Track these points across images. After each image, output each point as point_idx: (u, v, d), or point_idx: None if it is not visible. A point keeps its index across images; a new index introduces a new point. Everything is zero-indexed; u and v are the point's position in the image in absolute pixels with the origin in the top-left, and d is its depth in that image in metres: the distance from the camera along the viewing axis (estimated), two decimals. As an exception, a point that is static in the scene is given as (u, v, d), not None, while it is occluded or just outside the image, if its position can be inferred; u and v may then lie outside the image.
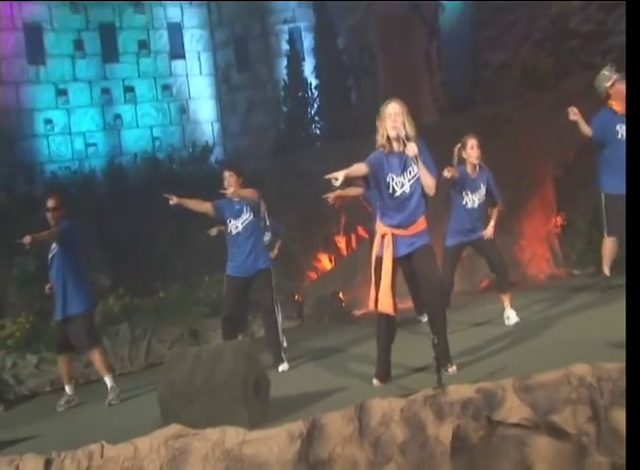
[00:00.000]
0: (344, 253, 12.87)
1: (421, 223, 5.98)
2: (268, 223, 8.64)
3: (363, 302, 10.64)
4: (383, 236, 5.95)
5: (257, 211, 8.07)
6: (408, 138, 5.79)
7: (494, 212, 7.96)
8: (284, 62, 19.48)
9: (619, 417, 3.93)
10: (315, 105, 18.61)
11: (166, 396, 5.53)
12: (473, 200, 7.81)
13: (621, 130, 8.11)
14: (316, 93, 18.78)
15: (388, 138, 5.86)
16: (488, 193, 7.85)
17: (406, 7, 19.34)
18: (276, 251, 9.49)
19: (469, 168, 7.80)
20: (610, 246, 8.39)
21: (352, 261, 11.64)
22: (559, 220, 11.29)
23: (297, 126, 17.89)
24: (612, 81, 8.17)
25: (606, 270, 8.42)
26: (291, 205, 11.62)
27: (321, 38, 19.42)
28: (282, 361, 7.81)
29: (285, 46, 19.78)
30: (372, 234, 9.54)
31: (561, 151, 10.80)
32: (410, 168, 5.85)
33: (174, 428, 4.85)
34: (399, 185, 5.88)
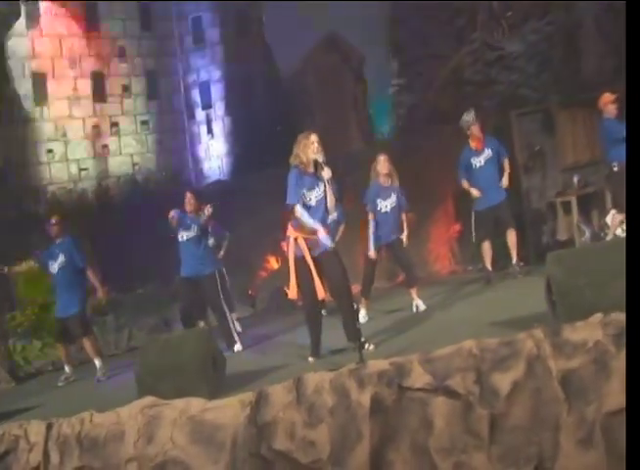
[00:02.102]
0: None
1: (321, 231, 5.99)
2: (210, 230, 8.59)
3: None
4: (295, 239, 6.00)
5: (205, 228, 8.08)
6: (324, 163, 5.86)
7: (405, 220, 8.06)
8: (240, 100, 19.48)
9: (497, 379, 3.99)
10: (264, 135, 18.57)
11: (142, 373, 5.50)
12: (385, 205, 7.86)
13: (475, 162, 8.54)
14: (262, 118, 18.74)
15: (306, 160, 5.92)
16: (399, 201, 7.93)
17: (338, 58, 19.50)
18: (222, 252, 9.34)
19: (381, 179, 7.90)
20: (486, 248, 8.61)
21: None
22: (456, 228, 11.49)
23: (251, 153, 17.80)
24: (468, 125, 8.55)
25: (488, 266, 8.63)
26: (245, 216, 11.57)
27: (268, 84, 19.49)
28: (235, 343, 7.79)
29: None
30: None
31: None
32: (317, 187, 5.95)
33: (148, 399, 4.83)
34: (308, 198, 5.94)
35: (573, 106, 10.54)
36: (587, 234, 9.15)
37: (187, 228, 7.99)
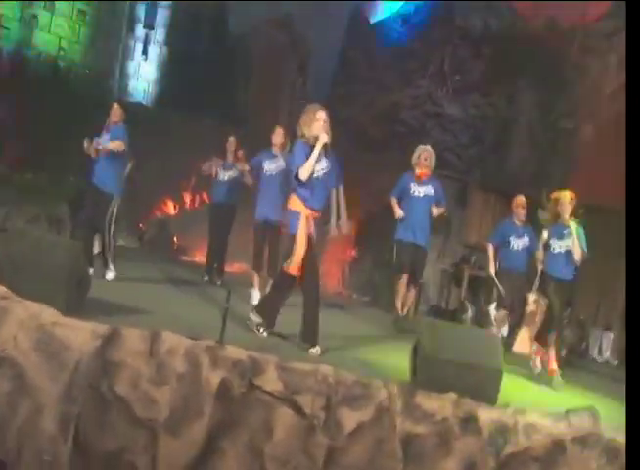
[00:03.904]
0: (187, 206, 12.71)
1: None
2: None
3: (190, 250, 10.56)
4: (307, 217, 5.73)
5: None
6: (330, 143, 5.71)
7: None
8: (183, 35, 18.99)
9: (344, 414, 4.14)
10: (197, 81, 18.11)
11: (3, 261, 5.23)
12: (271, 168, 7.97)
13: (414, 189, 8.09)
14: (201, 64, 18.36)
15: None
16: (287, 166, 7.68)
17: (287, 41, 19.41)
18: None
19: (273, 149, 8.03)
20: (402, 289, 8.12)
21: (191, 216, 11.54)
22: (352, 252, 11.66)
23: (180, 90, 17.22)
24: (420, 153, 8.18)
25: (399, 308, 8.14)
26: (156, 150, 11.20)
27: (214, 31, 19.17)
28: (108, 271, 7.58)
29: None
30: (212, 202, 9.54)
31: (370, 202, 11.12)
32: (322, 161, 5.72)
33: (2, 289, 4.67)
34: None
35: (490, 190, 11.00)
36: (470, 313, 9.53)
37: (105, 139, 7.62)
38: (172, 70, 18.42)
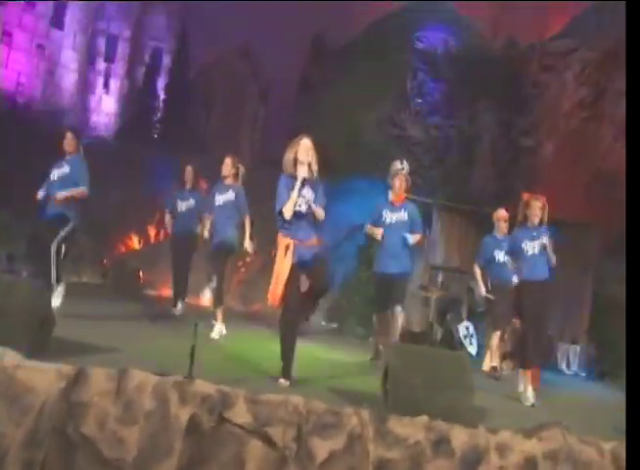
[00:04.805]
0: (152, 241, 12.62)
1: (314, 240, 5.71)
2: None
3: (157, 284, 10.49)
4: (287, 246, 5.61)
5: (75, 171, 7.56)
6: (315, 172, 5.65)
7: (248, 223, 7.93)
8: (143, 68, 19.09)
9: (316, 444, 4.11)
10: (159, 113, 18.24)
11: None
12: (219, 199, 7.99)
13: (388, 216, 7.81)
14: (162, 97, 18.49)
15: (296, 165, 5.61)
16: (236, 200, 7.92)
17: (248, 70, 19.58)
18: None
19: (225, 181, 8.08)
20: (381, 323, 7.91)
21: (156, 250, 11.45)
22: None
23: (141, 124, 17.31)
24: (395, 173, 7.86)
25: (377, 344, 7.95)
26: (118, 184, 11.17)
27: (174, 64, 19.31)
28: (57, 292, 7.32)
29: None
30: (175, 236, 9.44)
31: (336, 227, 11.15)
32: (304, 194, 5.60)
33: (-37, 334, 4.58)
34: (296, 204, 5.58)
35: (455, 211, 11.08)
36: (439, 334, 9.54)
37: (58, 167, 7.54)
38: (135, 102, 18.45)
